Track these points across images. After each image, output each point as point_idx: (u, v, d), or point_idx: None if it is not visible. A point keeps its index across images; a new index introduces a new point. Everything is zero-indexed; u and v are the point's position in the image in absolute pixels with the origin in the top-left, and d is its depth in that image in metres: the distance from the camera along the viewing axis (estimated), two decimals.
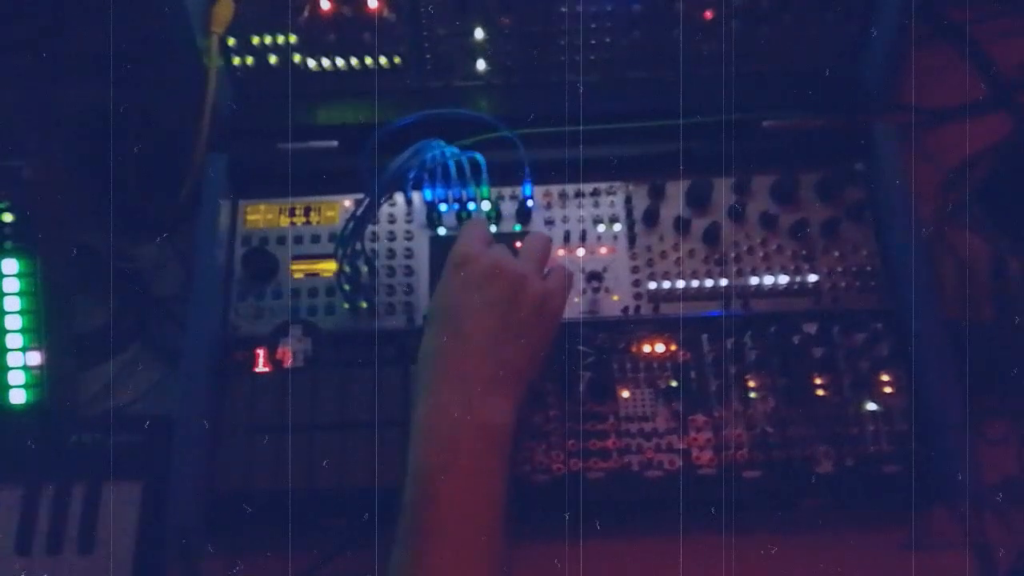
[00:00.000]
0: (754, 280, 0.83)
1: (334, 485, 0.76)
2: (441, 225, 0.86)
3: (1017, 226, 0.89)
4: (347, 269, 0.80)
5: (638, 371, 0.80)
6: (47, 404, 0.84)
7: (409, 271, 0.85)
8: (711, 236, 0.84)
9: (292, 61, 0.89)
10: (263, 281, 0.84)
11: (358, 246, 0.78)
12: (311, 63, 0.89)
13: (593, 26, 0.87)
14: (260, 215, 0.87)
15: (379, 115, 0.84)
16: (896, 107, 0.90)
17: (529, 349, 0.70)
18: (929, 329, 0.78)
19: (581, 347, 0.79)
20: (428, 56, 0.89)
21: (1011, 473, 0.81)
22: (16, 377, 0.83)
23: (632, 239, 0.85)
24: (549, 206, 0.87)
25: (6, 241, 0.85)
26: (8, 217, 0.85)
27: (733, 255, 0.84)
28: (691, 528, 0.74)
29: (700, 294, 0.83)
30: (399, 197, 0.87)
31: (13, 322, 0.84)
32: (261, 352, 0.81)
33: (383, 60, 0.89)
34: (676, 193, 0.86)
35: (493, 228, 0.86)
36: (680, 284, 0.83)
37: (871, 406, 0.78)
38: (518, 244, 0.84)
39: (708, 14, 0.87)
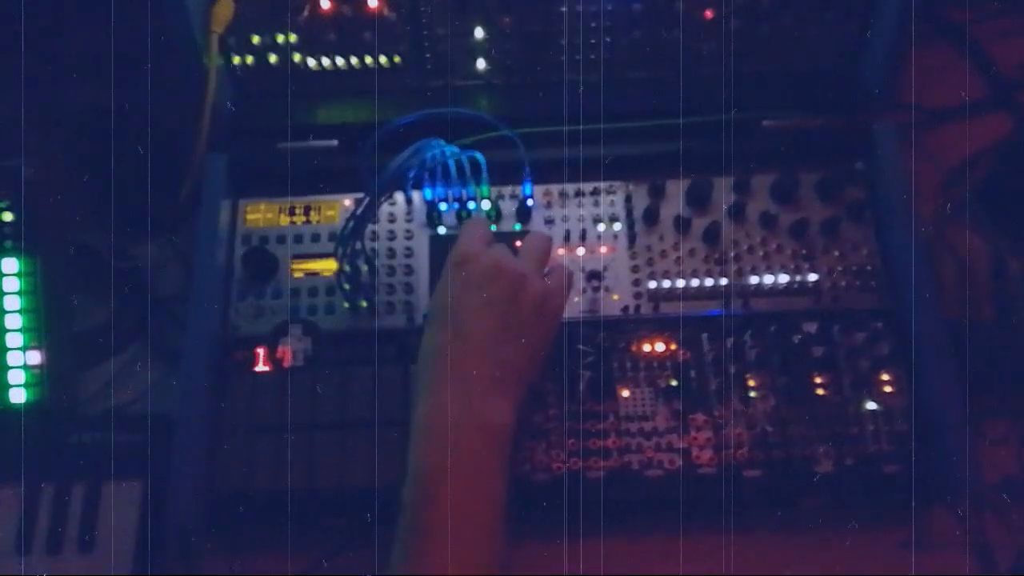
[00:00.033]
0: (754, 279, 0.83)
1: (334, 485, 0.76)
2: (441, 224, 0.86)
3: (1017, 226, 0.89)
4: (347, 268, 0.80)
5: (638, 370, 0.80)
6: (47, 403, 0.84)
7: (409, 270, 0.85)
8: (711, 235, 0.84)
9: (292, 60, 0.89)
10: (263, 280, 0.84)
11: (358, 245, 0.79)
12: (311, 62, 0.89)
13: (593, 25, 0.87)
14: (260, 214, 0.87)
15: (379, 114, 0.84)
16: (896, 107, 0.90)
17: (529, 349, 0.70)
18: (929, 329, 0.78)
19: (581, 346, 0.79)
20: (428, 55, 0.89)
21: (1011, 473, 0.80)
22: (16, 376, 0.83)
23: (632, 238, 0.85)
24: (549, 205, 0.87)
25: (6, 240, 0.85)
26: (8, 217, 0.85)
27: (733, 254, 0.84)
28: (691, 527, 0.74)
29: (700, 293, 0.83)
30: (399, 196, 0.87)
31: (13, 321, 0.84)
32: (261, 351, 0.81)
33: (383, 59, 0.90)
34: (676, 192, 0.86)
35: (493, 227, 0.86)
36: (680, 283, 0.83)
37: (871, 405, 0.78)
38: (518, 243, 0.84)
39: (708, 13, 0.87)
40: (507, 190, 0.87)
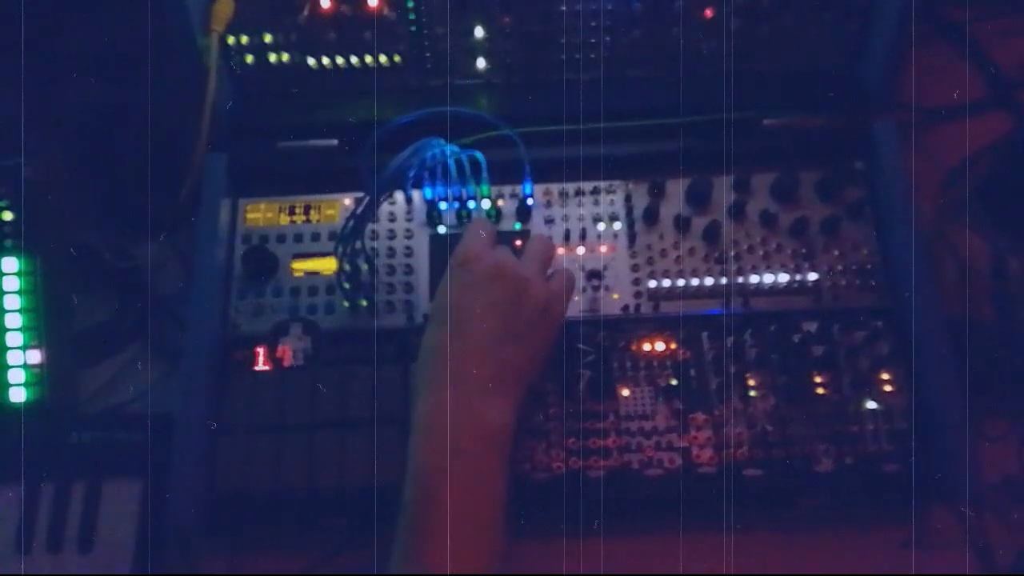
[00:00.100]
0: (754, 278, 0.83)
1: (334, 484, 0.76)
2: (441, 223, 0.86)
3: (1017, 225, 0.89)
4: (347, 267, 0.80)
5: (638, 369, 0.80)
6: (47, 402, 0.84)
7: (409, 269, 0.85)
8: (711, 234, 0.84)
9: (292, 60, 0.89)
10: (263, 279, 0.84)
11: (358, 244, 0.78)
12: (311, 61, 0.89)
13: (593, 24, 0.87)
14: (260, 213, 0.87)
15: (379, 113, 0.84)
16: (896, 106, 0.90)
17: (530, 350, 0.70)
18: (929, 328, 0.78)
19: (581, 345, 0.79)
20: (428, 55, 0.89)
21: (1011, 473, 0.80)
22: (16, 375, 0.83)
23: (632, 237, 0.85)
24: (549, 204, 0.87)
25: (6, 240, 0.85)
26: (8, 216, 0.85)
27: (733, 253, 0.84)
28: (691, 526, 0.74)
29: (700, 292, 0.83)
30: (399, 195, 0.87)
31: (13, 320, 0.84)
32: (261, 350, 0.81)
33: (383, 58, 0.89)
34: (676, 191, 0.86)
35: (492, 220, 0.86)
36: (680, 282, 0.83)
37: (871, 404, 0.78)
38: (518, 242, 0.84)
39: (708, 12, 0.87)
40: (507, 189, 0.87)
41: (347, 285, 0.81)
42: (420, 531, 0.63)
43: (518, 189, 0.86)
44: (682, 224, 0.85)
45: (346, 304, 0.83)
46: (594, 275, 0.83)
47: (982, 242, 0.88)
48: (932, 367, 0.77)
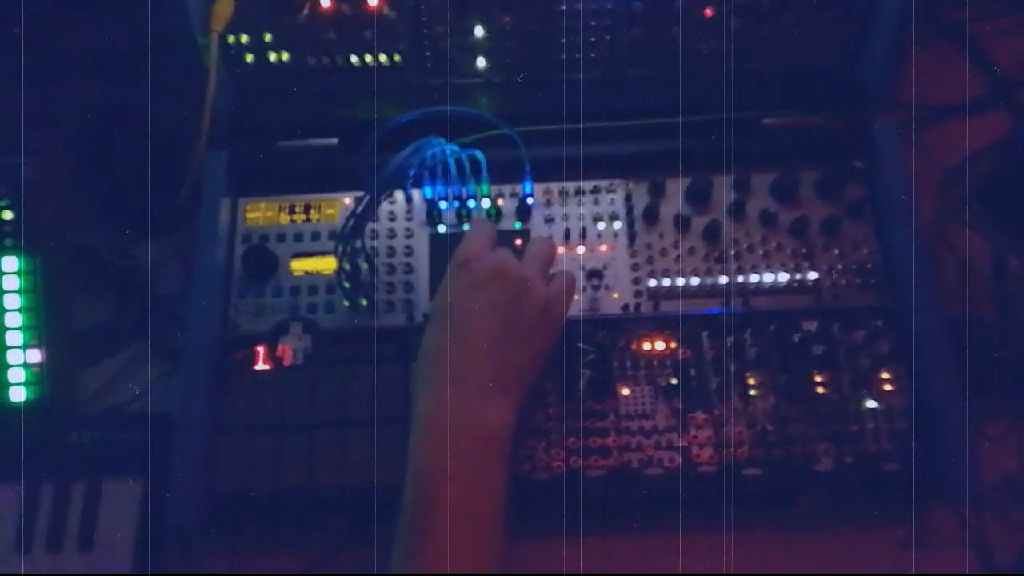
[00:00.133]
0: (754, 278, 0.83)
1: (334, 484, 0.76)
2: (441, 223, 0.86)
3: (1017, 225, 0.89)
4: (347, 267, 0.80)
5: (638, 369, 0.80)
6: (47, 402, 0.84)
7: (409, 269, 0.85)
8: (711, 234, 0.84)
9: (292, 59, 0.89)
10: (263, 279, 0.84)
11: (358, 244, 0.78)
12: (311, 61, 0.89)
13: (593, 24, 0.87)
14: (260, 213, 0.87)
15: (379, 113, 0.84)
16: (896, 105, 0.90)
17: (530, 351, 0.70)
18: (929, 327, 0.78)
19: (581, 344, 0.79)
20: (428, 54, 0.89)
21: (1011, 473, 0.80)
22: (16, 375, 0.83)
23: (632, 237, 0.85)
24: (549, 204, 0.87)
25: (6, 239, 0.85)
26: (8, 215, 0.85)
27: (733, 253, 0.84)
28: (691, 525, 0.74)
29: (700, 291, 0.83)
30: (399, 195, 0.87)
31: (13, 319, 0.84)
32: (261, 350, 0.81)
33: (383, 58, 0.89)
34: (676, 191, 0.86)
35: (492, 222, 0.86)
36: (680, 282, 0.83)
37: (871, 404, 0.78)
38: (519, 242, 0.84)
39: (708, 12, 0.87)
40: (507, 188, 0.87)
41: (347, 284, 0.81)
42: (420, 531, 0.63)
43: (518, 188, 0.86)
44: (682, 223, 0.85)
45: (346, 303, 0.83)
46: (594, 274, 0.83)
47: (982, 242, 0.88)
48: (932, 367, 0.77)
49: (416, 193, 0.86)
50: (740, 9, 0.86)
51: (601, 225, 0.86)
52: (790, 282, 0.83)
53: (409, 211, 0.87)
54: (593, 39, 0.88)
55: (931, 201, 0.91)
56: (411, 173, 0.78)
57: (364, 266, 0.82)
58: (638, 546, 0.76)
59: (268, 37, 0.88)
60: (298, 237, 0.86)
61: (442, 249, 0.85)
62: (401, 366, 0.79)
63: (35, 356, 0.84)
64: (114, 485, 0.81)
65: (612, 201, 0.87)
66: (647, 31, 0.88)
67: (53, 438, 0.83)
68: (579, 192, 0.87)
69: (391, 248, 0.86)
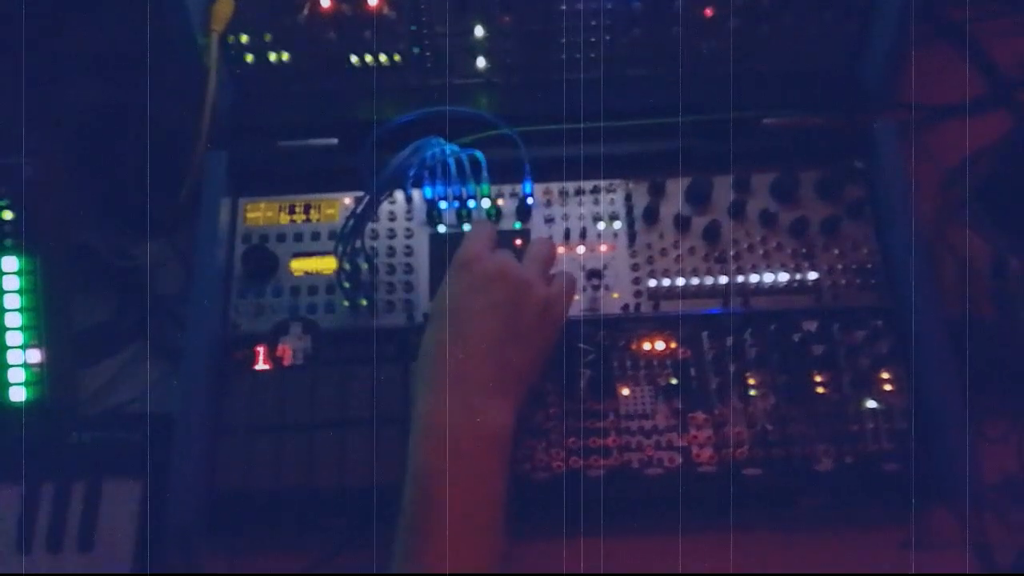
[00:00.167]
0: (754, 278, 0.83)
1: (334, 484, 0.76)
2: (441, 223, 0.86)
3: (1017, 225, 0.89)
4: (347, 267, 0.80)
5: (638, 369, 0.80)
6: (47, 402, 0.84)
7: (409, 269, 0.85)
8: (711, 234, 0.84)
9: (292, 59, 0.89)
10: (263, 279, 0.84)
11: (358, 244, 0.78)
12: (311, 61, 0.89)
13: (593, 24, 0.87)
14: (260, 213, 0.87)
15: (379, 113, 0.84)
16: (896, 105, 0.90)
17: (531, 352, 0.70)
18: (929, 327, 0.78)
19: (581, 344, 0.79)
20: (428, 54, 0.89)
21: (1011, 473, 0.80)
22: (16, 375, 0.83)
23: (632, 237, 0.85)
24: (549, 204, 0.87)
25: (6, 239, 0.85)
26: (8, 215, 0.85)
27: (733, 253, 0.84)
28: (691, 526, 0.74)
29: (700, 292, 0.83)
30: (399, 195, 0.87)
31: (13, 320, 0.84)
32: (261, 350, 0.81)
33: (383, 58, 0.89)
34: (676, 191, 0.86)
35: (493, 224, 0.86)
36: (680, 282, 0.83)
37: (871, 404, 0.78)
38: (519, 242, 0.84)
39: (708, 12, 0.87)
40: (507, 188, 0.87)
41: (347, 284, 0.81)
42: (420, 531, 0.63)
43: (518, 188, 0.86)
44: (682, 223, 0.85)
45: (346, 303, 0.83)
46: (594, 274, 0.83)
47: (982, 242, 0.88)
48: (932, 367, 0.77)
49: (416, 193, 0.86)
50: (740, 9, 0.86)
51: (601, 225, 0.86)
52: (790, 282, 0.83)
53: (409, 211, 0.87)
54: (593, 39, 0.88)
55: (931, 201, 0.91)
56: (411, 173, 0.78)
57: (364, 266, 0.82)
58: (638, 546, 0.76)
59: (268, 37, 0.88)
60: (298, 237, 0.86)
61: (442, 249, 0.85)
62: (401, 366, 0.80)
63: (35, 356, 0.83)
64: (114, 485, 0.81)
65: (612, 201, 0.87)
66: (647, 31, 0.88)
67: (53, 438, 0.83)
68: (579, 192, 0.87)
69: (391, 248, 0.86)
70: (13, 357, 0.83)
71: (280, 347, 0.81)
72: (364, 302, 0.83)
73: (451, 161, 0.80)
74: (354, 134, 0.84)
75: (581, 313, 0.82)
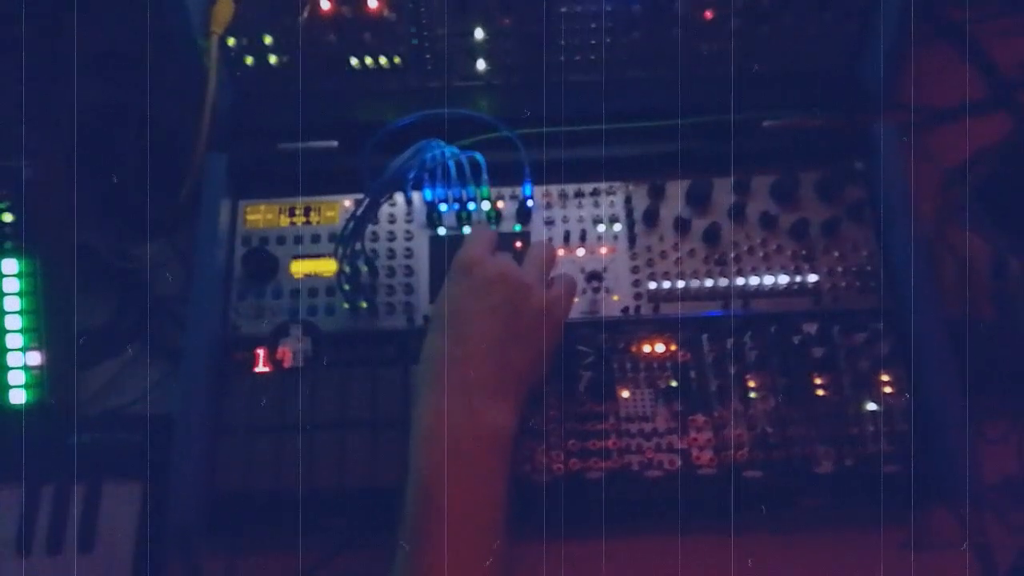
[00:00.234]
0: (754, 280, 0.83)
1: (334, 485, 0.76)
2: (441, 225, 0.86)
3: (1017, 225, 0.89)
4: (347, 269, 0.80)
5: (638, 371, 0.80)
6: (47, 404, 0.84)
7: (409, 271, 0.85)
8: (711, 236, 0.84)
9: (292, 61, 0.89)
10: (263, 281, 0.84)
11: (358, 246, 0.78)
12: (311, 63, 0.89)
13: (593, 26, 0.87)
14: (260, 215, 0.87)
15: (379, 115, 0.84)
16: (896, 106, 0.90)
17: (531, 354, 0.70)
18: (929, 329, 0.79)
19: (581, 347, 0.79)
20: (428, 56, 0.89)
21: (1011, 473, 0.81)
22: (16, 377, 0.83)
23: (632, 239, 0.85)
24: (549, 206, 0.87)
25: (6, 241, 0.85)
26: (8, 217, 0.85)
27: (733, 255, 0.84)
28: (691, 528, 0.74)
29: (700, 294, 0.83)
30: (399, 197, 0.87)
31: (13, 322, 0.84)
32: (261, 352, 0.81)
33: (383, 60, 0.89)
34: (676, 193, 0.86)
35: (493, 228, 0.86)
36: (680, 284, 0.83)
37: (871, 406, 0.78)
38: (519, 244, 0.84)
39: (708, 14, 0.87)
40: (507, 191, 0.87)
41: (347, 287, 0.81)
42: (421, 532, 0.63)
43: (518, 191, 0.86)
44: (682, 226, 0.85)
45: (346, 306, 0.83)
46: (594, 277, 0.83)
47: (982, 243, 0.88)
48: (932, 367, 0.78)
49: (416, 195, 0.86)
50: (740, 11, 0.86)
51: (601, 227, 0.86)
52: (790, 284, 0.83)
53: (409, 213, 0.87)
54: (593, 41, 0.88)
55: (931, 202, 0.91)
56: (411, 175, 0.78)
57: (364, 268, 0.82)
58: (638, 548, 0.76)
59: (268, 39, 0.88)
60: (298, 239, 0.86)
61: (442, 251, 0.85)
62: (401, 368, 0.80)
63: (35, 358, 0.83)
64: (114, 486, 0.81)
65: (612, 203, 0.87)
66: (647, 33, 0.88)
67: (53, 440, 0.83)
68: (579, 194, 0.87)
69: (391, 250, 0.86)
70: (13, 359, 0.83)
71: (280, 349, 0.81)
72: (364, 304, 0.83)
73: (451, 163, 0.80)
74: (354, 136, 0.84)
75: (581, 315, 0.82)
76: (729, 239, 0.84)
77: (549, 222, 0.86)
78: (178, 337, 0.86)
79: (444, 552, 0.61)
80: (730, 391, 0.78)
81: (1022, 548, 0.78)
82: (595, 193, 0.87)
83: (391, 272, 0.85)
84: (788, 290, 0.83)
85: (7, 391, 0.83)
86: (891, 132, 0.86)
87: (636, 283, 0.84)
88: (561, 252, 0.84)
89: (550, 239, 0.85)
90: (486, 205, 0.86)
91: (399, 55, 0.89)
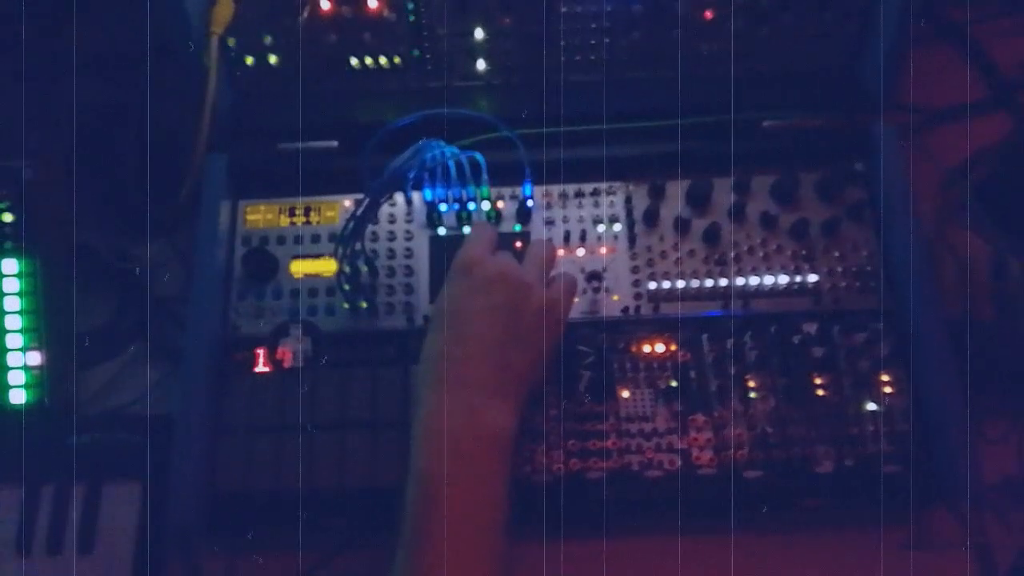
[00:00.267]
0: (754, 280, 0.83)
1: (334, 485, 0.76)
2: (441, 225, 0.86)
3: (1017, 225, 0.89)
4: (347, 269, 0.80)
5: (638, 371, 0.80)
6: (47, 404, 0.84)
7: (409, 271, 0.85)
8: (711, 236, 0.84)
9: (292, 61, 0.89)
10: (263, 281, 0.84)
11: (358, 246, 0.78)
12: (311, 63, 0.89)
13: (593, 26, 0.87)
14: (260, 215, 0.87)
15: (379, 115, 0.84)
16: (896, 107, 0.90)
17: (531, 354, 0.70)
18: (929, 329, 0.78)
19: (581, 347, 0.79)
20: (428, 56, 0.89)
21: (1011, 473, 0.81)
22: (16, 377, 0.83)
23: (632, 239, 0.85)
24: (549, 206, 0.87)
25: (6, 241, 0.85)
26: (8, 217, 0.85)
27: (733, 255, 0.84)
28: (691, 528, 0.74)
29: (700, 294, 0.83)
30: (399, 197, 0.87)
31: (13, 322, 0.84)
32: (261, 352, 0.81)
33: (383, 60, 0.89)
34: (676, 193, 0.86)
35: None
36: (680, 284, 0.83)
37: (871, 406, 0.78)
38: (519, 244, 0.84)
39: (708, 14, 0.87)
40: (507, 191, 0.87)
41: (347, 287, 0.81)
42: (421, 532, 0.63)
43: (518, 191, 0.86)
44: (682, 226, 0.85)
45: (346, 306, 0.83)
46: (594, 277, 0.83)
47: (982, 243, 0.88)
48: (932, 367, 0.78)
49: (416, 195, 0.86)
50: (740, 11, 0.86)
51: (601, 227, 0.86)
52: (790, 284, 0.83)
53: (409, 213, 0.87)
54: (593, 41, 0.88)
55: (931, 202, 0.91)
56: (411, 175, 0.78)
57: (364, 268, 0.82)
58: (638, 548, 0.76)
59: (268, 39, 0.88)
60: (298, 239, 0.86)
61: (442, 251, 0.85)
62: (401, 368, 0.80)
63: (35, 358, 0.84)
64: (114, 487, 0.81)
65: (612, 203, 0.87)
66: (647, 33, 0.88)
67: (53, 440, 0.83)
68: (579, 194, 0.87)
69: (391, 250, 0.86)
70: (13, 360, 0.83)
71: (280, 349, 0.81)
72: (364, 304, 0.83)
73: (451, 163, 0.80)
74: (354, 136, 0.84)
75: (581, 315, 0.82)
76: (729, 239, 0.84)
77: (549, 222, 0.86)
78: (178, 337, 0.86)
79: (444, 552, 0.61)
80: (730, 391, 0.78)
81: (1022, 548, 0.78)
82: (595, 193, 0.87)
83: (391, 272, 0.85)
84: (788, 290, 0.83)
85: (7, 391, 0.83)
86: (891, 132, 0.86)
87: (636, 283, 0.84)
88: (561, 252, 0.84)
89: (550, 239, 0.85)
90: (486, 205, 0.86)
91: (399, 55, 0.89)
